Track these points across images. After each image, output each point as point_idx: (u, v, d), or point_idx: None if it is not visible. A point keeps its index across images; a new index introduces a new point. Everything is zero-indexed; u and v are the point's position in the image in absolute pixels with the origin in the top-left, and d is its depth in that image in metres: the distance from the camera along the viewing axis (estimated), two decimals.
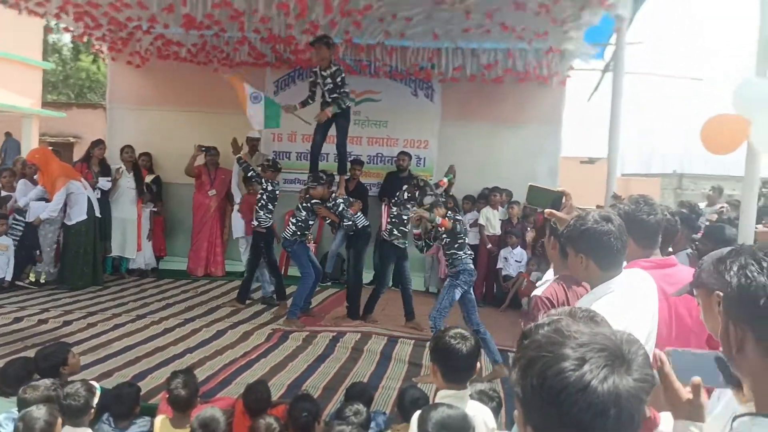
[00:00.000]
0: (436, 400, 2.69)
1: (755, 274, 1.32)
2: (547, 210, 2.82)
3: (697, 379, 1.54)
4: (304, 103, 7.52)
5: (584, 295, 2.58)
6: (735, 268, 1.35)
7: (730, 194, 13.27)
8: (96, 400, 3.60)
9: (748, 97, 3.88)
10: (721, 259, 1.43)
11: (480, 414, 2.65)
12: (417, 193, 6.81)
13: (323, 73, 7.18)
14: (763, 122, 3.78)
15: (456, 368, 2.70)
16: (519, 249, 8.67)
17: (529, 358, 1.13)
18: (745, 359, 1.29)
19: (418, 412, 2.56)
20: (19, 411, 3.56)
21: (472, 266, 5.96)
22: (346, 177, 8.19)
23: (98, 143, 8.93)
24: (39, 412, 3.18)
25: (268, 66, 9.61)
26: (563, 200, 2.81)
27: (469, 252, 5.99)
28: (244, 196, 8.78)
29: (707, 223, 5.84)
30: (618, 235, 2.32)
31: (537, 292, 2.92)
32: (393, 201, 7.00)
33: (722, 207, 9.29)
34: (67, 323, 6.46)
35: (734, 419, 1.34)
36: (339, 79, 7.12)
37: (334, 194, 7.00)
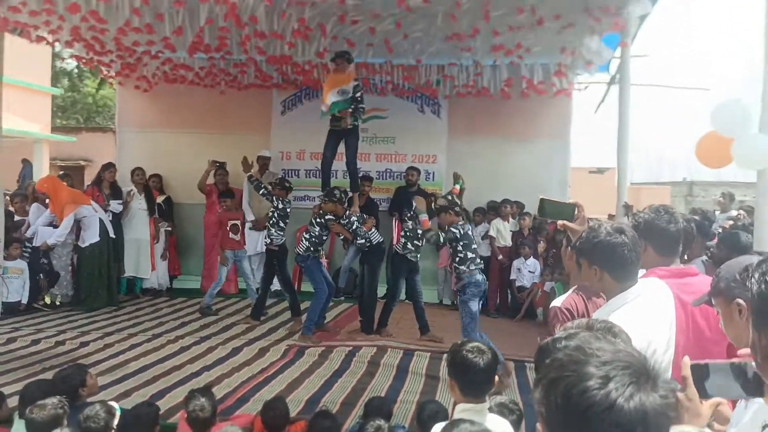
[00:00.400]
0: (455, 415, 2.67)
1: None
2: (560, 222, 2.84)
3: (716, 399, 1.56)
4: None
5: (602, 305, 2.58)
6: (756, 276, 1.36)
7: (741, 200, 13.22)
8: (116, 421, 3.62)
9: (725, 119, 3.99)
10: (744, 267, 1.43)
11: (500, 427, 2.65)
12: (433, 207, 6.88)
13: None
14: (742, 142, 3.87)
15: (474, 382, 2.69)
16: (532, 260, 8.67)
17: (552, 377, 1.13)
18: None
19: (438, 426, 2.55)
20: (27, 430, 3.58)
21: (479, 277, 6.01)
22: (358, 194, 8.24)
23: (108, 166, 9.02)
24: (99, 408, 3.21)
25: (275, 87, 9.70)
26: (576, 212, 2.83)
27: (475, 264, 6.03)
28: (221, 212, 8.69)
29: (720, 230, 5.83)
30: (632, 246, 2.33)
31: (556, 302, 2.92)
32: (408, 215, 7.03)
33: (739, 213, 9.25)
34: (84, 344, 6.50)
35: (765, 428, 1.34)
36: (359, 94, 7.26)
37: (348, 212, 7.03)
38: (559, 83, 8.68)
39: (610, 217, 7.80)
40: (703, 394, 1.55)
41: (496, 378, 2.82)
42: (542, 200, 2.94)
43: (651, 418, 1.05)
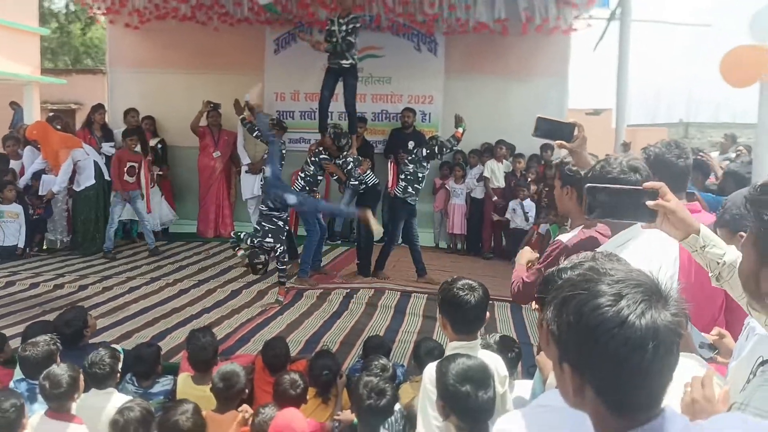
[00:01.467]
0: (447, 352, 2.70)
1: None
2: (557, 142, 2.75)
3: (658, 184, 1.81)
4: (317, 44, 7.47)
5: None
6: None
7: (740, 142, 13.16)
8: (120, 364, 3.67)
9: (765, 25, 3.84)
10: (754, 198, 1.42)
11: (492, 363, 2.67)
12: (436, 149, 6.85)
13: (341, 21, 7.15)
14: None
15: (465, 319, 2.69)
16: (529, 201, 8.64)
17: (564, 296, 1.14)
18: None
19: (432, 364, 2.56)
20: (21, 368, 3.63)
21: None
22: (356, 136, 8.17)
23: (98, 108, 8.89)
24: (61, 369, 3.24)
25: (269, 24, 9.47)
26: (575, 132, 2.74)
27: None
28: (120, 152, 8.43)
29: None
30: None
31: (563, 238, 2.90)
32: (409, 158, 6.98)
33: (739, 149, 9.24)
34: (82, 288, 6.53)
35: (762, 363, 1.35)
36: (351, 27, 7.12)
37: (345, 153, 6.97)
38: (564, 19, 8.48)
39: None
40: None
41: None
42: (538, 119, 2.80)
43: (662, 335, 1.06)
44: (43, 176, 8.23)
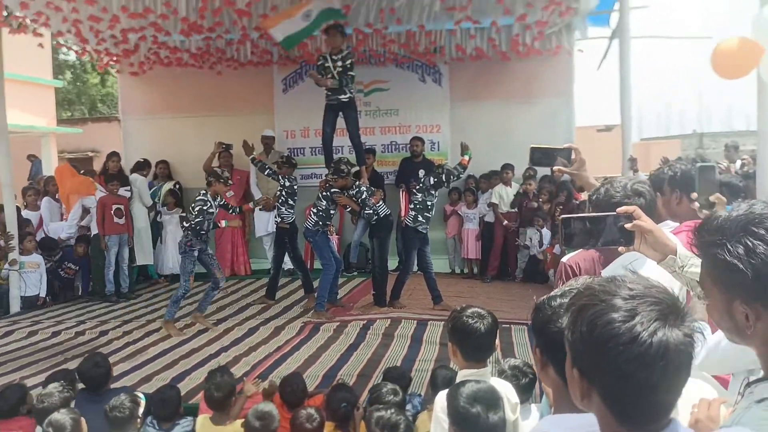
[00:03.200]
0: (457, 380, 2.71)
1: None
2: (555, 168, 2.75)
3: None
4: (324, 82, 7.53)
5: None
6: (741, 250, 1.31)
7: (753, 149, 13.08)
8: (141, 409, 3.70)
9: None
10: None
11: (502, 389, 2.68)
12: (443, 177, 6.90)
13: (334, 57, 7.31)
14: None
15: (475, 347, 2.70)
16: (546, 231, 8.65)
17: (581, 304, 1.17)
18: (757, 332, 1.29)
19: (442, 392, 2.58)
20: (37, 421, 3.67)
21: None
22: (365, 167, 8.26)
23: (111, 156, 9.02)
24: (62, 415, 3.26)
25: (274, 64, 9.66)
26: (572, 155, 2.72)
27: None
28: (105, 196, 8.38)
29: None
30: (648, 207, 2.31)
31: (564, 258, 2.92)
32: (417, 188, 7.03)
33: (744, 159, 9.18)
34: (103, 333, 6.61)
35: (748, 385, 1.36)
36: (349, 62, 7.28)
37: (357, 183, 7.04)
38: (557, 40, 8.57)
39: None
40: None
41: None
42: (531, 148, 2.76)
43: (672, 354, 1.07)
44: (51, 225, 8.46)
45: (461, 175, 7.37)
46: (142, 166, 9.31)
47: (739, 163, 9.07)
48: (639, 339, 1.06)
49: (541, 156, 2.76)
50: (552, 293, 1.80)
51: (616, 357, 1.07)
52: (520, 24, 8.23)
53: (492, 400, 2.41)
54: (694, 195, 2.58)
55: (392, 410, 3.20)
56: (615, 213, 1.83)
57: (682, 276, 1.76)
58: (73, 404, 3.63)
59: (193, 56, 9.04)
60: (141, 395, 3.94)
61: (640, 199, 2.34)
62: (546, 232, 8.65)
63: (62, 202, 8.45)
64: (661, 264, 1.78)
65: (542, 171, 8.97)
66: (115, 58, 9.42)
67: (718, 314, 1.35)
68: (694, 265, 1.74)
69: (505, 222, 8.83)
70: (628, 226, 1.79)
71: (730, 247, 1.27)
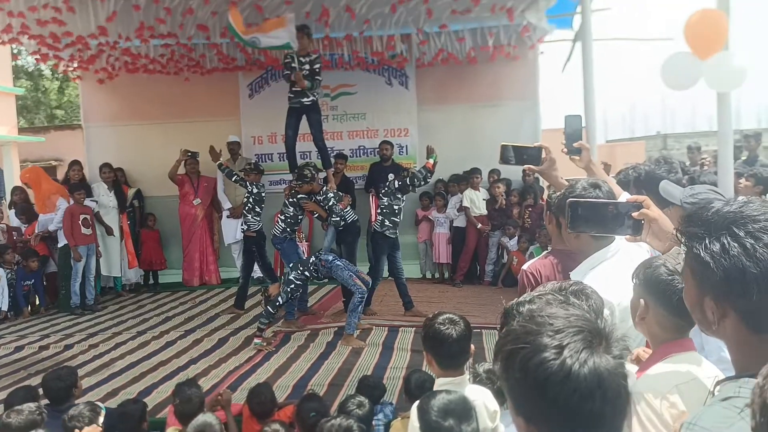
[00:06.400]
0: (435, 389, 2.69)
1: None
2: (525, 167, 2.75)
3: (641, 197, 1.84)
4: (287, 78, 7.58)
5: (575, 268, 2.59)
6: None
7: (715, 149, 13.33)
8: (101, 419, 3.61)
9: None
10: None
11: (480, 397, 2.65)
12: (407, 181, 6.84)
13: (301, 59, 7.28)
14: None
15: (449, 354, 2.67)
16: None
17: (508, 351, 1.14)
18: (725, 329, 1.30)
19: (416, 403, 2.56)
20: None
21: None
22: (332, 171, 8.21)
23: (72, 164, 8.87)
24: None
25: (240, 70, 9.57)
26: (542, 154, 2.69)
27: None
28: (72, 206, 8.23)
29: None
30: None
31: (524, 266, 2.93)
32: (383, 192, 6.99)
33: (702, 159, 9.34)
34: (68, 347, 6.47)
35: (716, 384, 1.36)
36: (317, 66, 7.28)
37: (325, 188, 6.98)
38: (525, 41, 8.63)
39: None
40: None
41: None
42: (502, 146, 2.71)
43: (606, 381, 1.06)
44: (41, 216, 8.36)
45: (428, 179, 7.35)
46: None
47: (699, 164, 9.22)
48: (572, 373, 1.05)
49: (512, 153, 2.72)
50: (520, 298, 1.80)
51: (556, 396, 1.06)
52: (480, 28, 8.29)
53: (464, 411, 2.38)
54: (563, 140, 2.65)
55: (342, 416, 3.16)
56: (624, 201, 1.85)
57: None
58: (41, 429, 3.50)
59: (156, 62, 8.89)
60: (101, 405, 3.84)
61: (597, 191, 2.35)
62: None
63: (38, 203, 8.28)
64: (665, 254, 1.78)
65: (511, 175, 9.04)
66: (77, 65, 9.21)
67: (690, 305, 1.35)
68: None
69: (479, 225, 8.85)
70: (635, 214, 1.80)
71: (707, 242, 1.26)
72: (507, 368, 1.14)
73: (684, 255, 1.37)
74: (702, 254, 1.26)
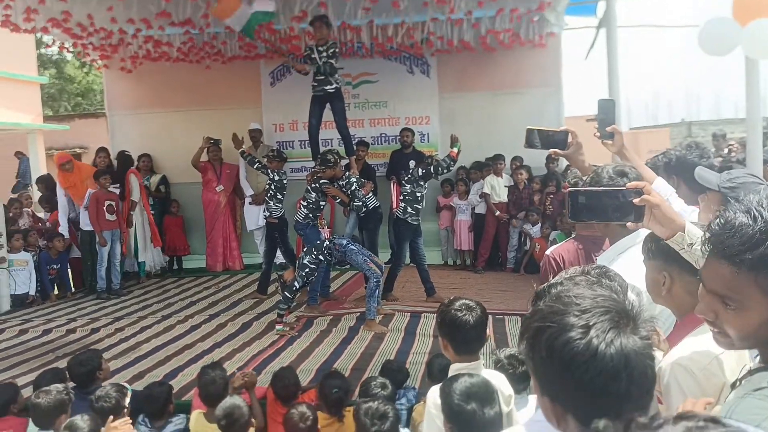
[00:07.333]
0: (450, 374, 2.70)
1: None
2: (551, 150, 2.72)
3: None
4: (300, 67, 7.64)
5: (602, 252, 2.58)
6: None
7: (741, 136, 13.13)
8: (128, 399, 3.68)
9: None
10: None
11: (495, 381, 2.66)
12: (431, 169, 6.86)
13: (320, 48, 7.29)
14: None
15: (465, 340, 2.67)
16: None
17: (534, 330, 1.15)
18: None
19: (434, 388, 2.56)
20: (32, 417, 3.62)
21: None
22: (354, 158, 8.22)
23: (98, 152, 8.98)
24: (83, 421, 3.21)
25: (261, 58, 9.60)
26: (569, 139, 2.68)
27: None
28: (97, 192, 8.28)
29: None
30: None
31: (548, 251, 2.92)
32: (406, 179, 7.00)
33: (729, 146, 9.20)
34: (95, 330, 6.57)
35: (750, 373, 1.35)
36: (331, 51, 7.28)
37: (347, 174, 7.00)
38: (547, 28, 8.54)
39: None
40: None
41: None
42: (528, 130, 2.70)
43: (633, 361, 1.07)
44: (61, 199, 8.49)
45: (451, 168, 7.35)
46: (128, 161, 9.23)
47: (726, 150, 9.10)
48: (599, 353, 1.05)
49: (538, 138, 2.69)
50: (552, 281, 1.80)
51: (581, 376, 1.06)
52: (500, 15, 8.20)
53: (486, 395, 2.37)
54: (595, 125, 2.61)
55: (379, 401, 3.18)
56: (624, 188, 1.81)
57: (691, 253, 1.73)
58: (69, 409, 3.58)
59: (179, 50, 8.95)
60: (128, 386, 3.92)
61: (624, 179, 2.33)
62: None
63: (76, 184, 8.37)
64: (669, 241, 1.77)
65: (533, 162, 8.97)
66: (102, 54, 9.31)
67: (756, 326, 1.27)
68: None
69: (497, 213, 8.84)
70: (636, 201, 1.77)
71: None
72: (533, 348, 1.14)
73: (706, 261, 1.34)
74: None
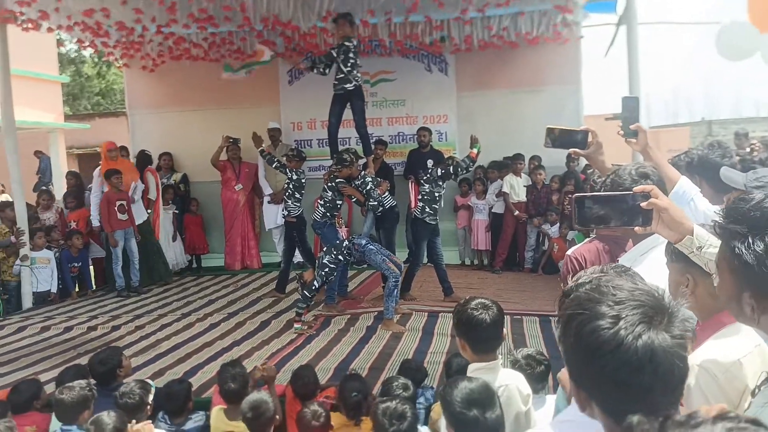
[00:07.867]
0: (468, 374, 2.67)
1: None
2: (571, 150, 2.69)
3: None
4: (311, 68, 7.66)
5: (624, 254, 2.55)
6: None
7: (763, 135, 13.00)
8: (151, 396, 3.72)
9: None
10: None
11: (513, 381, 2.65)
12: (451, 170, 6.85)
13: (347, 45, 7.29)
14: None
15: (482, 339, 2.67)
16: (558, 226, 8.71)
17: (567, 315, 1.16)
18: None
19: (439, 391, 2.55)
20: (55, 412, 3.67)
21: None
22: (372, 158, 8.23)
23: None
24: (110, 417, 3.22)
25: (280, 57, 9.63)
26: (589, 138, 2.65)
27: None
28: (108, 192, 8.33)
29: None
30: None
31: (569, 251, 2.90)
32: (425, 178, 6.99)
33: (752, 144, 9.09)
34: (115, 328, 6.63)
35: (762, 383, 1.33)
36: (352, 53, 7.24)
37: (363, 173, 7.01)
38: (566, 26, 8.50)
39: None
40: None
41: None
42: (548, 129, 2.66)
43: (659, 357, 1.06)
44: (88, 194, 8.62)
45: (470, 168, 7.32)
46: (147, 160, 9.31)
47: (747, 149, 8.99)
48: (624, 344, 1.05)
49: (558, 137, 2.66)
50: (579, 280, 1.79)
51: (605, 365, 1.06)
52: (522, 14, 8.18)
53: (487, 399, 2.35)
54: (619, 123, 2.56)
55: (397, 400, 3.17)
56: (631, 192, 1.79)
57: (700, 256, 1.72)
58: (92, 405, 3.62)
59: (199, 47, 9.00)
60: (151, 382, 3.95)
61: (647, 181, 2.31)
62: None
63: (129, 173, 8.54)
64: (678, 245, 1.75)
65: (552, 161, 8.91)
66: (123, 52, 9.40)
67: (726, 298, 1.34)
68: (712, 245, 1.69)
69: (516, 212, 8.80)
70: (643, 204, 1.75)
71: (750, 240, 1.23)
72: (564, 332, 1.16)
73: (721, 248, 1.35)
74: (744, 254, 1.24)
